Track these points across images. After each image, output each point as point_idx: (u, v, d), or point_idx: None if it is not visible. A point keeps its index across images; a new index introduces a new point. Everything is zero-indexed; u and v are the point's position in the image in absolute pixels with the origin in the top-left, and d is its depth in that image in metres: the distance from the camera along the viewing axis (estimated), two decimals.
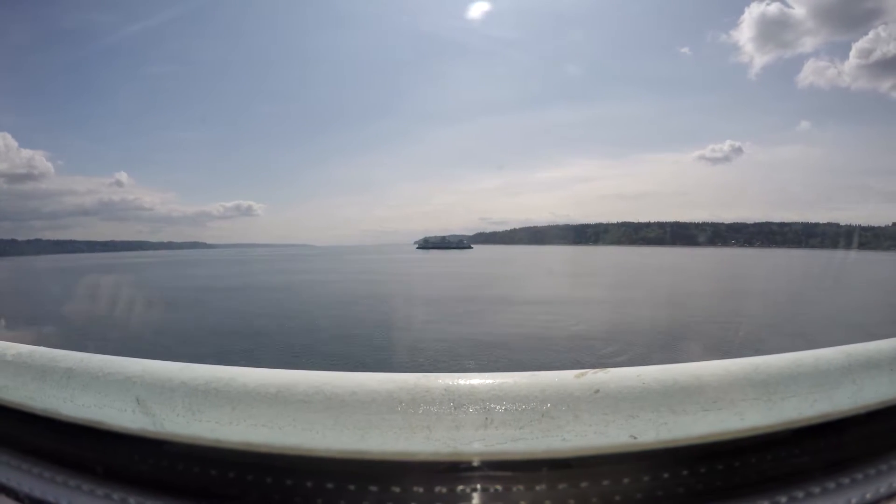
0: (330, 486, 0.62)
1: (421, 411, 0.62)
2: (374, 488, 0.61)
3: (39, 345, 0.84)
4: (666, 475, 0.62)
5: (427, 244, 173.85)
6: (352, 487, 0.61)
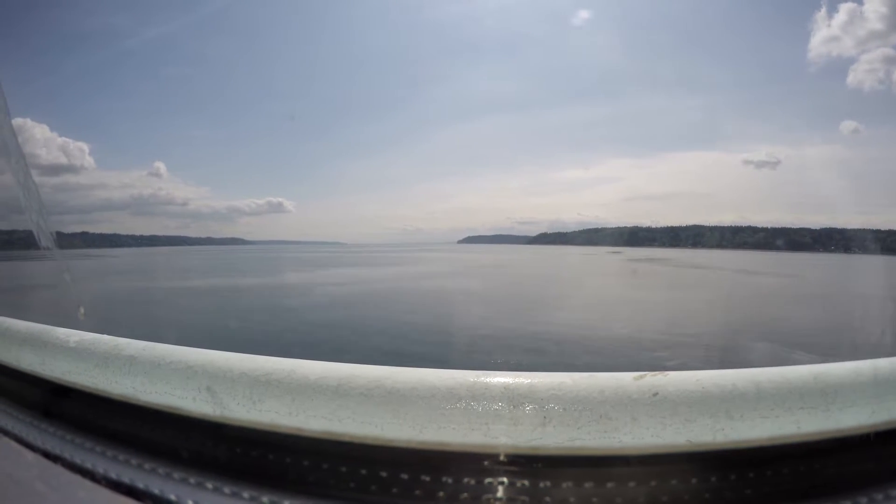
0: (405, 476, 0.63)
1: (480, 408, 0.62)
2: (448, 480, 0.62)
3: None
4: (733, 476, 0.62)
5: None
6: (426, 478, 0.62)
